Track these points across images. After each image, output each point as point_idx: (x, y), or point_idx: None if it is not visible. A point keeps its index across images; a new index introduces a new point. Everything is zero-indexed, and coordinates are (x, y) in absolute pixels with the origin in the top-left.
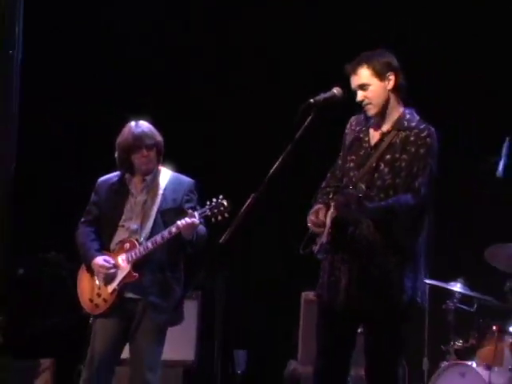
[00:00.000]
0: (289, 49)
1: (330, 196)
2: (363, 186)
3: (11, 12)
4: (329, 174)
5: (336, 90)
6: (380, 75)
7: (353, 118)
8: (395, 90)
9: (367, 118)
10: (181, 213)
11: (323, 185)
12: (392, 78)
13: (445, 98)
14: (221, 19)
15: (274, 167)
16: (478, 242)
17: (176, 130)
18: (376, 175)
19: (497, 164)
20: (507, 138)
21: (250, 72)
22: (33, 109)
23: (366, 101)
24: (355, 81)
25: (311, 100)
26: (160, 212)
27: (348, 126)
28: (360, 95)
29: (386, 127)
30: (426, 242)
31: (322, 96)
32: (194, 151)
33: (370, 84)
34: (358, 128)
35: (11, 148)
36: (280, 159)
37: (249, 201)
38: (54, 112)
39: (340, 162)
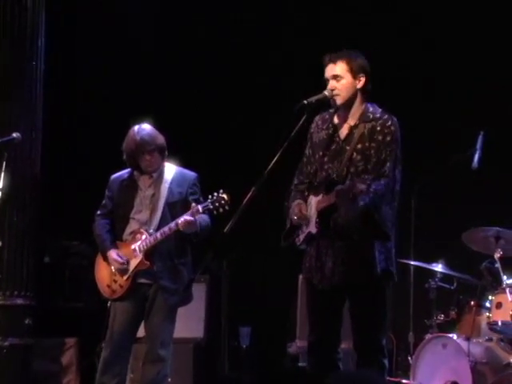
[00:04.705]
0: (288, 51)
1: (306, 193)
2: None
3: (34, 27)
4: (297, 172)
5: (327, 92)
6: (354, 73)
7: (318, 118)
8: (362, 90)
9: (332, 115)
10: (186, 205)
11: (295, 182)
12: (363, 79)
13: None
14: (222, 17)
15: (272, 163)
16: (456, 227)
17: (179, 128)
18: (350, 163)
19: (472, 156)
20: (481, 132)
21: (250, 73)
22: (56, 112)
23: (336, 91)
24: (331, 70)
25: (304, 101)
26: (167, 204)
27: (313, 125)
28: (331, 84)
29: (352, 121)
30: (396, 221)
31: (315, 97)
32: (196, 148)
33: (343, 77)
34: (324, 126)
35: (37, 149)
36: (277, 156)
37: (250, 193)
38: (76, 114)
39: (305, 159)
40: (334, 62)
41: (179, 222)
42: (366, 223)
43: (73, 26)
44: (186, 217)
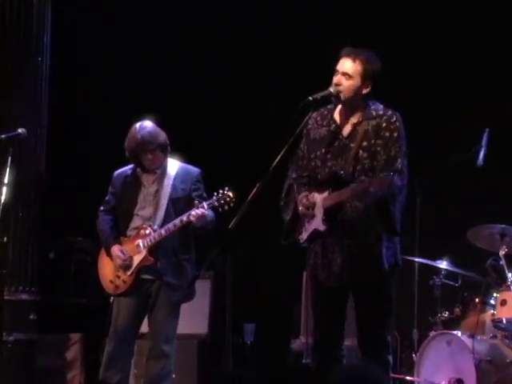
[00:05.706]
0: (288, 51)
1: (306, 187)
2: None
3: (40, 23)
4: (292, 166)
5: (332, 89)
6: (364, 79)
7: (315, 114)
8: (365, 95)
9: (332, 112)
10: (190, 201)
11: (294, 176)
12: (370, 87)
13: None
14: (222, 17)
15: (277, 160)
16: (461, 225)
17: (179, 128)
18: (356, 161)
19: (477, 153)
20: (486, 129)
21: (250, 73)
22: (58, 110)
23: (341, 87)
24: (345, 66)
25: (310, 98)
26: (171, 200)
27: (312, 121)
28: (339, 79)
29: (355, 118)
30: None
31: (320, 94)
32: (196, 148)
33: (352, 78)
34: (324, 122)
35: (42, 145)
36: (282, 152)
37: (254, 190)
38: (76, 113)
39: (301, 153)
40: (353, 59)
41: (193, 213)
42: (383, 215)
43: (73, 25)
44: (201, 209)
